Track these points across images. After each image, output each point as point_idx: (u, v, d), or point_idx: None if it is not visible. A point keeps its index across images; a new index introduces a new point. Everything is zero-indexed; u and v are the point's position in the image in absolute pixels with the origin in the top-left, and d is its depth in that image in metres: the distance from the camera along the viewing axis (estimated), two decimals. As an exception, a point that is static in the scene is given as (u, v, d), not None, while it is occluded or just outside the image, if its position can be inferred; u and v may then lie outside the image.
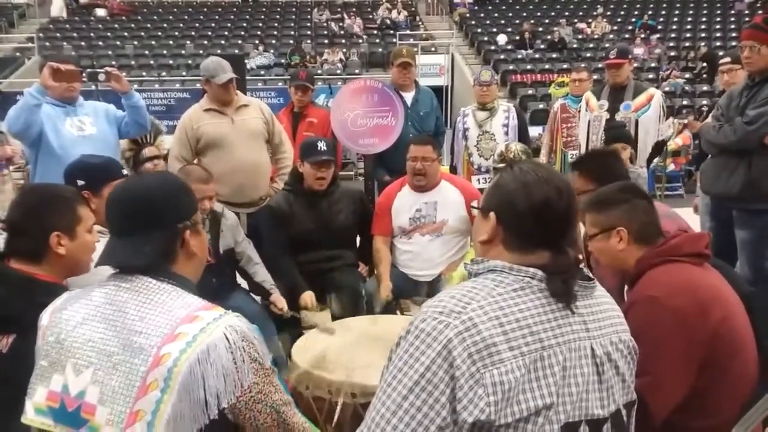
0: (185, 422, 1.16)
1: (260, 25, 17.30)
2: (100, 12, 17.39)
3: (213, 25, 17.09)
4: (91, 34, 16.13)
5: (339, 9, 18.01)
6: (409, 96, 4.19)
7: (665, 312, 1.58)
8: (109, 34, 16.24)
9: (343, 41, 15.95)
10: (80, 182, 2.16)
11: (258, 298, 3.03)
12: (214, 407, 1.17)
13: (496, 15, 18.13)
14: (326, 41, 15.82)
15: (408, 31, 16.20)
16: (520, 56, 15.20)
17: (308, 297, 2.94)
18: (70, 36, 15.89)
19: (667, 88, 12.46)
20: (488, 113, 4.35)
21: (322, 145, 3.07)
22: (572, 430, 1.09)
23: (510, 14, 18.14)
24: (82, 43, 15.32)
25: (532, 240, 1.17)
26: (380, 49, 15.37)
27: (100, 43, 15.61)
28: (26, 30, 16.18)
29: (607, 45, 14.54)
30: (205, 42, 15.72)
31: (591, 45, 15.62)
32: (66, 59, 3.36)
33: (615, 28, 16.86)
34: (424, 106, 4.24)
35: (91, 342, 1.22)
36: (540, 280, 1.12)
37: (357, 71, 13.86)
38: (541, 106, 12.05)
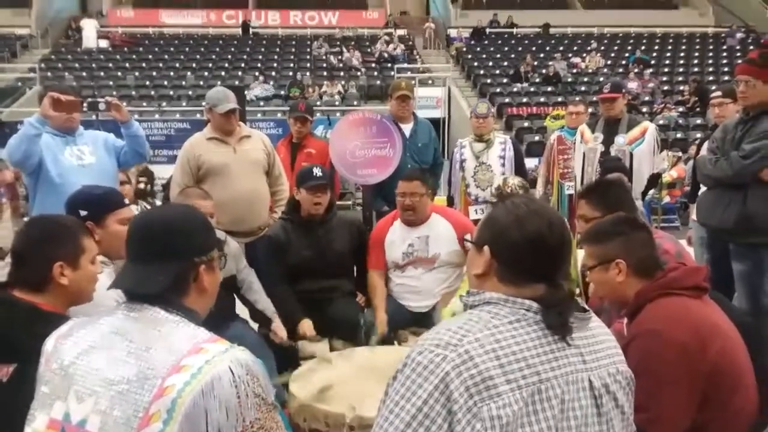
0: None
1: (260, 57, 17.55)
2: (103, 43, 17.64)
3: (213, 56, 17.33)
4: (93, 65, 16.33)
5: (338, 42, 18.30)
6: (407, 128, 4.23)
7: (666, 346, 1.57)
8: (110, 64, 16.46)
9: (342, 74, 16.16)
10: (83, 213, 2.16)
11: (255, 326, 3.01)
12: None
13: (492, 49, 18.45)
14: (325, 74, 16.03)
15: (406, 64, 16.44)
16: (515, 89, 15.42)
17: (306, 325, 2.92)
18: (71, 66, 16.07)
19: (661, 122, 12.62)
20: (485, 145, 4.40)
21: (317, 171, 3.11)
22: None
23: (506, 48, 18.46)
24: (84, 74, 15.50)
25: (526, 273, 1.17)
26: (378, 82, 15.58)
27: (102, 73, 15.79)
28: (28, 60, 16.38)
29: (601, 79, 14.69)
30: (206, 73, 15.92)
31: (585, 79, 15.87)
32: (66, 89, 3.39)
33: (609, 62, 17.16)
34: (423, 137, 4.28)
35: (96, 370, 1.20)
36: (536, 312, 1.12)
37: (355, 103, 14.02)
38: (536, 138, 12.19)
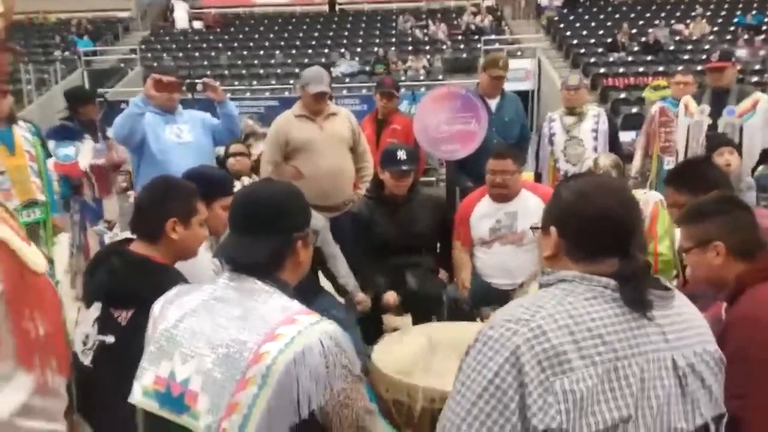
0: (278, 419, 1.20)
1: (346, 33, 17.68)
2: (197, 24, 18.40)
3: (301, 35, 17.63)
4: (189, 46, 17.07)
5: (424, 16, 18.08)
6: (493, 102, 4.14)
7: (766, 333, 1.48)
8: (204, 45, 17.12)
9: (427, 48, 15.99)
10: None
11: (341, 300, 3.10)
12: (306, 407, 1.21)
13: (586, 18, 17.59)
14: (410, 48, 15.93)
15: (493, 36, 16.01)
16: (612, 59, 14.67)
17: (391, 297, 2.99)
18: (169, 47, 16.89)
19: (774, 92, 11.61)
20: (576, 118, 4.23)
21: (402, 155, 3.11)
22: None
23: (601, 16, 17.54)
24: (180, 54, 16.23)
25: (595, 249, 1.14)
26: (464, 55, 15.29)
27: (196, 54, 16.48)
28: (129, 42, 17.31)
29: (706, 47, 13.75)
30: (294, 51, 16.24)
31: (689, 47, 14.82)
32: (167, 71, 3.59)
33: (715, 28, 15.91)
34: (509, 112, 4.18)
35: (199, 333, 1.29)
36: (613, 289, 1.09)
37: (440, 77, 13.85)
38: (634, 110, 11.56)
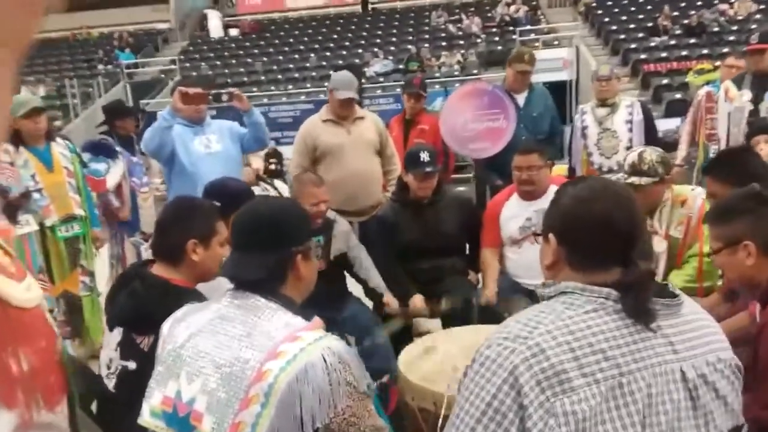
0: None
1: (379, 33, 17.67)
2: (233, 32, 18.72)
3: (335, 36, 17.72)
4: (226, 53, 17.38)
5: (457, 10, 17.90)
6: (521, 97, 4.06)
7: None
8: (241, 52, 17.40)
9: (461, 42, 15.83)
10: (216, 203, 2.35)
11: (370, 305, 3.09)
12: (309, 426, 1.21)
13: (625, 2, 17.09)
14: (444, 44, 15.80)
15: (529, 26, 15.72)
16: (653, 44, 14.20)
17: (418, 300, 2.96)
18: (207, 56, 17.23)
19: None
20: (609, 109, 4.09)
21: (425, 156, 3.06)
22: None
23: (640, 0, 17.01)
24: (218, 63, 16.54)
25: (595, 257, 1.10)
26: (499, 47, 15.05)
27: (233, 61, 16.76)
28: (169, 53, 17.75)
29: (753, 26, 13.16)
30: (328, 53, 16.33)
31: (735, 27, 14.22)
32: (194, 83, 3.65)
33: (762, 6, 15.20)
34: (538, 107, 4.08)
35: (203, 353, 1.30)
36: (615, 300, 1.04)
37: (475, 72, 13.67)
38: (678, 96, 11.17)
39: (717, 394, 1.06)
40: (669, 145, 6.08)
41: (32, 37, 0.38)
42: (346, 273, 3.11)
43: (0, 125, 0.37)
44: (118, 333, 1.71)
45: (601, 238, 1.09)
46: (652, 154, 2.70)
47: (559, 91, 12.67)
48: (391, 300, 2.92)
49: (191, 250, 1.79)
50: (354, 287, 3.17)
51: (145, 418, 1.34)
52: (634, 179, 2.61)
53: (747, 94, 3.90)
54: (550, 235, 1.17)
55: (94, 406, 1.73)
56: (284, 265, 1.39)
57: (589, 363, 0.99)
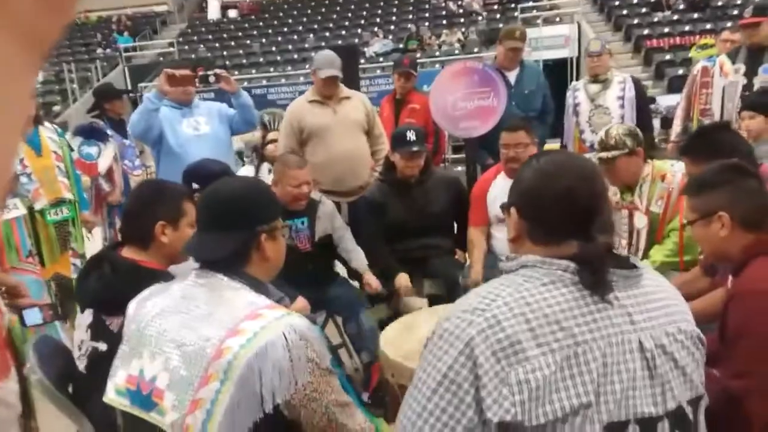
0: (242, 413, 1.21)
1: (379, 12, 17.49)
2: (232, 13, 18.58)
3: (334, 16, 17.56)
4: (224, 35, 17.26)
5: (458, -14, 17.68)
6: (512, 75, 4.02)
7: None
8: (239, 33, 17.28)
9: (462, 20, 15.66)
10: (195, 186, 2.34)
11: (356, 284, 3.09)
12: (269, 402, 1.21)
13: (628, -23, 16.83)
14: (444, 22, 15.63)
15: (530, 3, 15.53)
16: (656, 19, 14.01)
17: (403, 279, 2.95)
18: (205, 39, 17.12)
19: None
20: (601, 86, 4.05)
21: (411, 135, 3.04)
22: (619, 430, 1.00)
23: (644, -26, 16.75)
24: (216, 45, 16.44)
25: (556, 231, 1.10)
26: (501, 25, 14.86)
27: (232, 43, 16.65)
28: (168, 36, 17.65)
29: (757, 0, 12.96)
30: (327, 34, 16.20)
31: (738, 2, 13.99)
32: (181, 65, 3.62)
33: (767, -21, 14.95)
34: (530, 84, 4.04)
35: (167, 332, 1.31)
36: (573, 272, 1.04)
37: (476, 50, 13.55)
38: (680, 71, 11.02)
39: (675, 365, 1.06)
40: (670, 121, 6.02)
41: (55, 39, 0.33)
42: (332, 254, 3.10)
43: (14, 142, 0.33)
44: (88, 314, 1.71)
45: (561, 212, 1.09)
46: (619, 128, 2.78)
47: (560, 68, 12.59)
48: (371, 279, 2.89)
49: (160, 232, 1.79)
50: (342, 269, 3.17)
51: (110, 396, 1.36)
52: (603, 154, 2.69)
53: (741, 69, 3.86)
54: (512, 209, 1.17)
55: (70, 388, 1.74)
56: (248, 245, 1.39)
57: (545, 333, 0.99)
